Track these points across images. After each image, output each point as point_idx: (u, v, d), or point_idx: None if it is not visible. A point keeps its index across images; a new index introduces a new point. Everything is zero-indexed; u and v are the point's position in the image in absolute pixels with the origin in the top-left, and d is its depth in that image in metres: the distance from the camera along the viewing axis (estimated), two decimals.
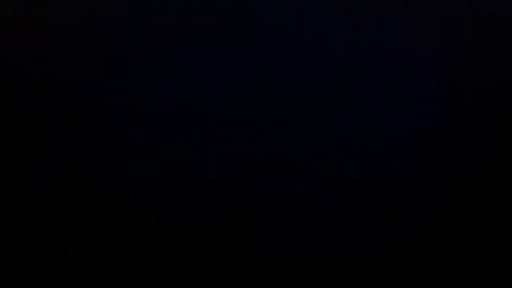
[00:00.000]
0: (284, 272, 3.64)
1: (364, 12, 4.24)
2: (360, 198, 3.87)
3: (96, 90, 4.13)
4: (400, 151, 4.00)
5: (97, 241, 3.76)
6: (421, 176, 3.93)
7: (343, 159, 3.98)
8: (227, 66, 4.16)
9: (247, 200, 3.88)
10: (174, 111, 4.05)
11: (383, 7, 4.22)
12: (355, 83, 4.08)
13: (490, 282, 3.54)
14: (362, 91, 4.07)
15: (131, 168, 4.00)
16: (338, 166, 3.96)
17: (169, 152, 4.02)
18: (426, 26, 4.18)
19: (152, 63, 4.22)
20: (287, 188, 3.92)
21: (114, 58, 4.19)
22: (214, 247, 3.73)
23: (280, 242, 3.75)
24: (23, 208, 3.88)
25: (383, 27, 4.18)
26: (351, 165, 3.96)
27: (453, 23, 4.17)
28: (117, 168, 3.99)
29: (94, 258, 3.70)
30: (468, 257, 3.65)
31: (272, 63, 4.17)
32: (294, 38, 4.19)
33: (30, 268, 3.68)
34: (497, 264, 3.60)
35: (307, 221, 3.80)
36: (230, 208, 3.85)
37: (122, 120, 4.11)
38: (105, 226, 3.80)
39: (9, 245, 3.76)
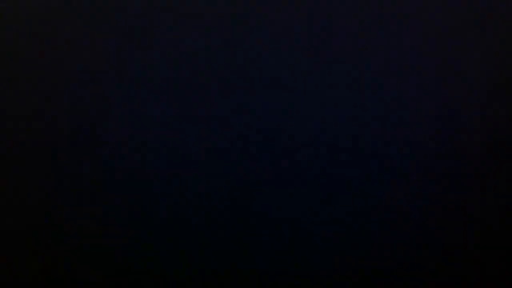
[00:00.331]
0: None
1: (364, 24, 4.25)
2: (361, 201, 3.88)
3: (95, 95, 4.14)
4: (401, 151, 4.01)
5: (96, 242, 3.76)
6: (421, 176, 3.93)
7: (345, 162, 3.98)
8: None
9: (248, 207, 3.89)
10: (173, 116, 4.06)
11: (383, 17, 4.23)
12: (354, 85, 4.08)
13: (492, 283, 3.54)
14: (362, 93, 4.07)
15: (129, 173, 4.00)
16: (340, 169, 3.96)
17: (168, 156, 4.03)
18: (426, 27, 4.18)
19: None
20: (287, 188, 3.93)
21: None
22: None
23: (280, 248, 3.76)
24: (22, 208, 3.88)
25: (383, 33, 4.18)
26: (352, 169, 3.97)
27: (453, 23, 4.17)
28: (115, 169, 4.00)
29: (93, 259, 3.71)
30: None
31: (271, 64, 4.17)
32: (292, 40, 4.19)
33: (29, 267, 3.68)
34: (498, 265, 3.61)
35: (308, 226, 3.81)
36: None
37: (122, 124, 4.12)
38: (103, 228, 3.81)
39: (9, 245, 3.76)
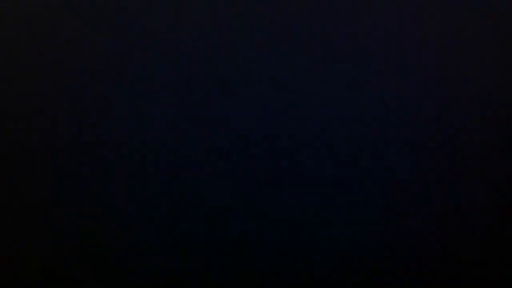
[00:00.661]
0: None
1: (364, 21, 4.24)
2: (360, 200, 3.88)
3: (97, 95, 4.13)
4: (400, 151, 4.00)
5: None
6: (421, 175, 3.93)
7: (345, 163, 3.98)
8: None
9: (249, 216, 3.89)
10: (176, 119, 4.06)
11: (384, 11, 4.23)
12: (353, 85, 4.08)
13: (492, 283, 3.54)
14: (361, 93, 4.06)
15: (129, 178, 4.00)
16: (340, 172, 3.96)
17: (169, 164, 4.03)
18: (426, 26, 4.18)
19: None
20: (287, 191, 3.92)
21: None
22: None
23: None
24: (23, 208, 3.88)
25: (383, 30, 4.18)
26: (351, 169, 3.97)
27: (453, 23, 4.17)
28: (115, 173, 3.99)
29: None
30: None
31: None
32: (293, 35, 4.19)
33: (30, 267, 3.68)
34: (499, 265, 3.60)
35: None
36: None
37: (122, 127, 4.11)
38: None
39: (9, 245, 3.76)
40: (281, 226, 3.80)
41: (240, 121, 4.11)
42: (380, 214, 3.82)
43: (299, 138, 4.08)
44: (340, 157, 4.02)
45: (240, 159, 4.02)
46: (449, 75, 4.13)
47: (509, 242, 3.69)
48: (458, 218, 3.81)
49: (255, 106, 4.14)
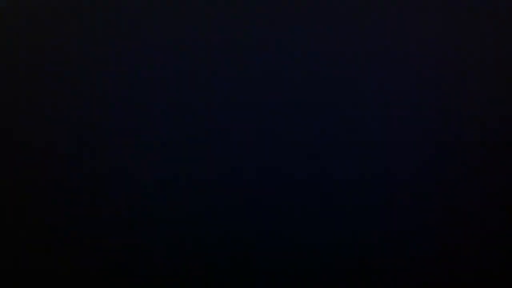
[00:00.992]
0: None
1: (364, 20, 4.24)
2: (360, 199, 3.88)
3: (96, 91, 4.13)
4: (399, 152, 4.01)
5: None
6: (423, 175, 3.93)
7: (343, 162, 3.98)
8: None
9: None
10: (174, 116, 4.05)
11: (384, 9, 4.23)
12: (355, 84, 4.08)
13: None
14: (361, 92, 4.06)
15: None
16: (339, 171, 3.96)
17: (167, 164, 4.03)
18: (426, 26, 4.18)
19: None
20: (286, 191, 3.92)
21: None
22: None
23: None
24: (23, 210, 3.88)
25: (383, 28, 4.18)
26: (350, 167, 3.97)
27: (453, 23, 4.17)
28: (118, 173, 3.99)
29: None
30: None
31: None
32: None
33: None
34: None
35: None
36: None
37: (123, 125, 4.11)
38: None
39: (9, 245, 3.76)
40: (281, 226, 3.80)
41: (240, 121, 4.12)
42: (380, 214, 3.82)
43: (299, 138, 4.08)
44: (340, 157, 4.02)
45: (240, 159, 4.02)
46: (449, 75, 4.13)
47: (509, 242, 3.69)
48: (458, 218, 3.81)
49: (255, 106, 4.14)
